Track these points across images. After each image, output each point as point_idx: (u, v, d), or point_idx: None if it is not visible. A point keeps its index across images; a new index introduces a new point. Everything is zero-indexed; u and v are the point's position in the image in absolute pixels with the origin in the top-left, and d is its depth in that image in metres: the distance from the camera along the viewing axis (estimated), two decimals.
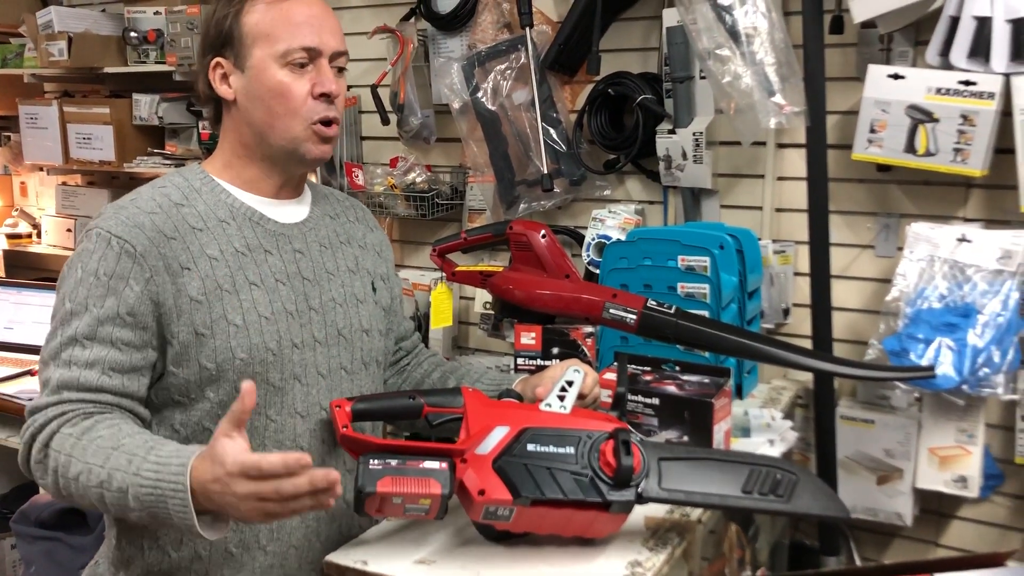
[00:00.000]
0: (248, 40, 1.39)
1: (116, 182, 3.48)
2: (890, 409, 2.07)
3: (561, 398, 1.37)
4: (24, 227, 3.65)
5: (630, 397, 1.61)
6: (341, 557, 1.34)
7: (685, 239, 1.95)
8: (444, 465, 1.26)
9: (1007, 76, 1.85)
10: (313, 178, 2.36)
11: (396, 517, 1.37)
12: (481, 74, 2.45)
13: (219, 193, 1.43)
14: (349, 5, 2.74)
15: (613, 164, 2.40)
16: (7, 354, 2.99)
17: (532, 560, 1.32)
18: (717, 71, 1.99)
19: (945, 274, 1.94)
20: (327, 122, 1.41)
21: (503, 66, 2.44)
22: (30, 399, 2.53)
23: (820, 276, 2.06)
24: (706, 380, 1.65)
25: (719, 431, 1.60)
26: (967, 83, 1.87)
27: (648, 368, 1.71)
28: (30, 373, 2.77)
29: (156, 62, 3.01)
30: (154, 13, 2.99)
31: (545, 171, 2.35)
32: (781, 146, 2.23)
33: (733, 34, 1.98)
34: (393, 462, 1.25)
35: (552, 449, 1.28)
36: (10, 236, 3.62)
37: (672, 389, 1.62)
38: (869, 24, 2.00)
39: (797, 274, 2.24)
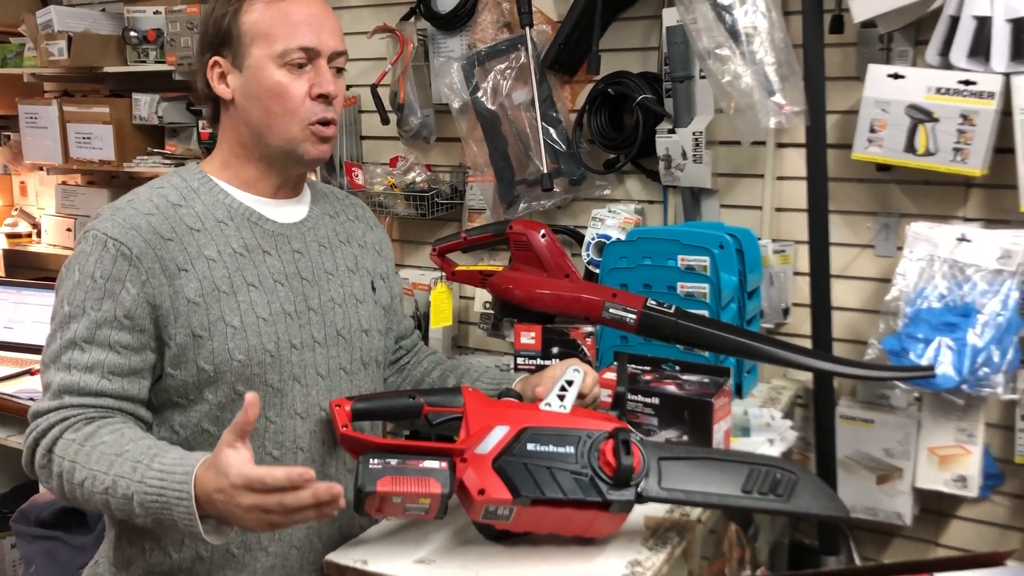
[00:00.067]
0: (246, 39, 1.38)
1: (116, 182, 3.48)
2: (890, 409, 2.07)
3: (561, 397, 1.37)
4: (24, 227, 3.65)
5: (630, 396, 1.61)
6: (341, 556, 1.34)
7: (685, 239, 1.95)
8: (444, 464, 1.26)
9: (1007, 76, 1.85)
10: (313, 177, 2.36)
11: (396, 516, 1.37)
12: (481, 74, 2.45)
13: (217, 193, 1.43)
14: (349, 4, 2.74)
15: (613, 164, 2.40)
16: (7, 353, 3.00)
17: (532, 560, 1.32)
18: (717, 71, 1.99)
19: (945, 274, 1.94)
20: (325, 122, 1.40)
21: (503, 66, 2.44)
22: (31, 398, 2.54)
23: (820, 276, 2.06)
24: (706, 379, 1.65)
25: (719, 430, 1.60)
26: (967, 83, 1.87)
27: (648, 368, 1.71)
28: (30, 372, 2.77)
29: (156, 62, 3.01)
30: (154, 12, 2.99)
31: (545, 171, 2.35)
32: (781, 146, 2.23)
33: (733, 34, 1.98)
34: (393, 461, 1.25)
35: (552, 449, 1.28)
36: (10, 236, 3.62)
37: (672, 389, 1.62)
38: (869, 24, 2.00)
39: (797, 274, 2.24)
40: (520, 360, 1.82)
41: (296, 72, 1.38)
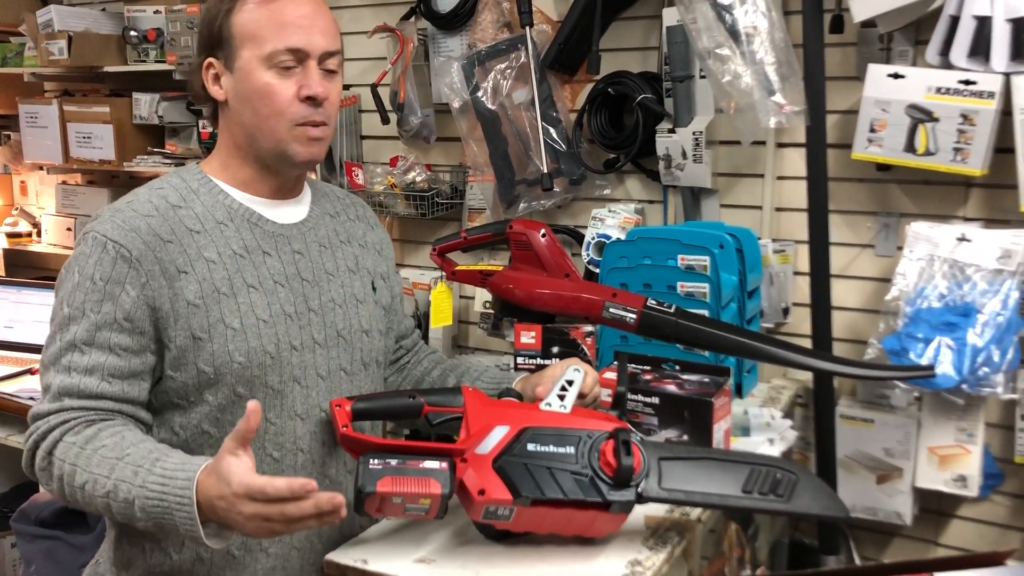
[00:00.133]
0: (236, 41, 1.38)
1: (116, 181, 3.48)
2: (890, 408, 2.07)
3: (561, 397, 1.37)
4: (24, 226, 3.65)
5: (630, 396, 1.61)
6: (341, 556, 1.34)
7: (685, 238, 1.95)
8: (444, 465, 1.26)
9: (1007, 75, 1.85)
10: (313, 176, 2.36)
11: (396, 517, 1.37)
12: (481, 73, 2.45)
13: (217, 194, 1.42)
14: (349, 4, 2.74)
15: (613, 163, 2.40)
16: (7, 353, 3.00)
17: (532, 559, 1.32)
18: (717, 70, 1.99)
19: (945, 273, 1.94)
20: (313, 124, 1.39)
21: (503, 65, 2.44)
22: (31, 398, 2.54)
23: (820, 275, 2.06)
24: (706, 379, 1.65)
25: (719, 430, 1.60)
26: (967, 82, 1.87)
27: (648, 367, 1.71)
28: (30, 372, 2.78)
29: (156, 61, 3.01)
30: (154, 12, 2.99)
31: (545, 170, 2.35)
32: (781, 145, 2.23)
33: (733, 33, 1.98)
34: (393, 462, 1.25)
35: (552, 449, 1.28)
36: (10, 235, 3.61)
37: (672, 388, 1.62)
38: (869, 23, 2.00)
39: (797, 273, 2.23)
40: (520, 360, 1.82)
41: (284, 73, 1.37)
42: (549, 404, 1.36)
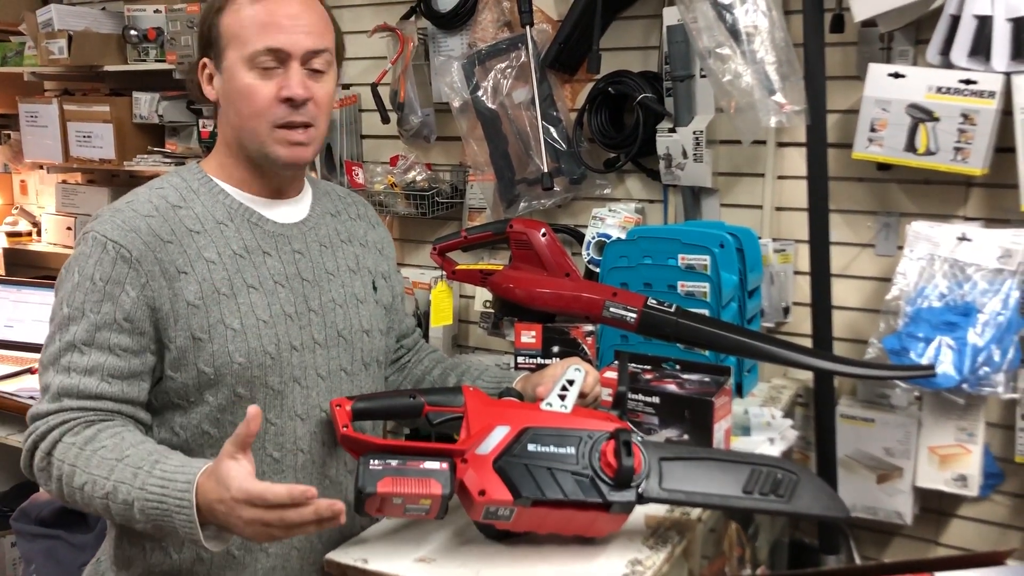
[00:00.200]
0: (223, 41, 1.38)
1: (116, 180, 3.48)
2: (890, 408, 2.07)
3: (562, 397, 1.37)
4: (24, 225, 3.65)
5: (630, 395, 1.61)
6: (342, 555, 1.34)
7: (685, 238, 1.95)
8: (444, 465, 1.26)
9: (1008, 75, 1.85)
10: (314, 175, 2.36)
11: (396, 517, 1.37)
12: (481, 72, 2.45)
13: (217, 194, 1.42)
14: (349, 3, 2.74)
15: (613, 163, 2.40)
16: (7, 352, 3.00)
17: (532, 559, 1.32)
18: (717, 70, 1.99)
19: (945, 273, 1.94)
20: (291, 126, 1.37)
21: (503, 65, 2.44)
22: (31, 397, 2.54)
23: (820, 275, 2.06)
24: (706, 379, 1.65)
25: (719, 429, 1.60)
26: (968, 82, 1.87)
27: (648, 367, 1.71)
28: (30, 371, 2.78)
29: (156, 60, 3.01)
30: (154, 11, 2.99)
31: (545, 170, 2.35)
32: (781, 145, 2.23)
33: (733, 33, 1.98)
34: (393, 462, 1.25)
35: (553, 449, 1.28)
36: (10, 234, 3.61)
37: (672, 388, 1.62)
38: (869, 23, 2.00)
39: (797, 273, 2.23)
40: (520, 359, 1.82)
41: (265, 74, 1.36)
42: (550, 404, 1.36)
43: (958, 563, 0.97)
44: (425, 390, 1.44)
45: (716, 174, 2.28)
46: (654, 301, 1.68)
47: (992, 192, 2.03)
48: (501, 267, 1.86)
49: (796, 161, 2.19)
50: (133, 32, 3.01)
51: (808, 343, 2.10)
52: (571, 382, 1.39)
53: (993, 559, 0.96)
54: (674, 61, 2.19)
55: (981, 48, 1.85)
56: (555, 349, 1.79)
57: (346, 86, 2.76)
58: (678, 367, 1.70)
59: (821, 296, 2.06)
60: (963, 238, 1.93)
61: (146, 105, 3.11)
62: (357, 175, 2.65)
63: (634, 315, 1.68)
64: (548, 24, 2.43)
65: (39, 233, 3.62)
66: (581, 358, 1.63)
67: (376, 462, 1.25)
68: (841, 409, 2.11)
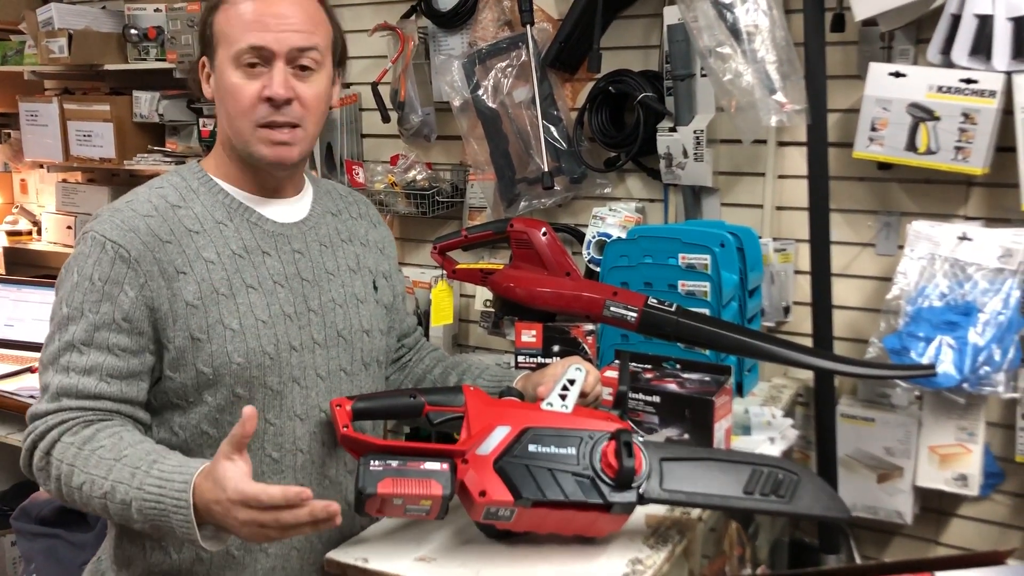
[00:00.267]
0: (215, 41, 1.38)
1: (116, 179, 3.48)
2: (890, 407, 2.07)
3: (563, 397, 1.37)
4: (24, 224, 3.65)
5: (631, 395, 1.61)
6: (342, 554, 1.34)
7: (686, 237, 1.95)
8: (445, 466, 1.26)
9: (1008, 74, 1.84)
10: (315, 174, 2.35)
11: (397, 517, 1.37)
12: (482, 72, 2.45)
13: (216, 193, 1.42)
14: (350, 2, 2.73)
15: (614, 162, 2.40)
16: (7, 351, 3.00)
17: (533, 558, 1.32)
18: (718, 69, 1.98)
19: (946, 272, 1.93)
20: (273, 125, 1.36)
21: (504, 64, 2.43)
22: (31, 396, 2.54)
23: (821, 274, 2.06)
24: (707, 378, 1.65)
25: (720, 429, 1.60)
26: (968, 81, 1.87)
27: (649, 366, 1.71)
28: (30, 370, 2.78)
29: (156, 59, 3.01)
30: (154, 10, 2.99)
31: (546, 169, 2.35)
32: (782, 144, 2.23)
33: (734, 32, 1.98)
34: (394, 463, 1.25)
35: (553, 450, 1.28)
36: (10, 233, 3.61)
37: (673, 387, 1.62)
38: (870, 22, 2.00)
39: (798, 272, 2.23)
40: (521, 358, 1.82)
41: (251, 73, 1.35)
42: (550, 404, 1.36)
43: (958, 562, 0.97)
44: (425, 390, 1.44)
45: (717, 173, 2.27)
46: (654, 300, 1.68)
47: (993, 191, 2.02)
48: (501, 266, 1.86)
49: (797, 160, 2.19)
50: (133, 31, 3.01)
51: (809, 342, 2.10)
52: (572, 382, 1.39)
53: (993, 559, 0.96)
54: (675, 60, 2.19)
55: (982, 47, 1.85)
56: (555, 348, 1.79)
57: (346, 85, 2.76)
58: (679, 366, 1.70)
59: (821, 295, 2.06)
60: (964, 237, 1.93)
61: (146, 104, 3.11)
62: (357, 174, 2.64)
63: (634, 314, 1.68)
64: (549, 23, 2.43)
65: (39, 232, 3.62)
66: (582, 357, 1.63)
67: (376, 463, 1.25)
68: (841, 408, 2.11)
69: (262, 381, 1.36)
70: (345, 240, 1.53)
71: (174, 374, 1.34)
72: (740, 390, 2.03)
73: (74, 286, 1.32)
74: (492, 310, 2.51)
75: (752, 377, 2.11)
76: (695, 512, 1.44)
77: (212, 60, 1.40)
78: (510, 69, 2.43)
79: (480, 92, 2.44)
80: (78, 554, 2.55)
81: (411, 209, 2.61)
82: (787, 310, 2.25)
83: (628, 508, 1.29)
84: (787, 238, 2.24)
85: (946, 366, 1.84)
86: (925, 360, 1.85)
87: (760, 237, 2.15)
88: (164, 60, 2.97)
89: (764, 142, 2.22)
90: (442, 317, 2.53)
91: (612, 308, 1.70)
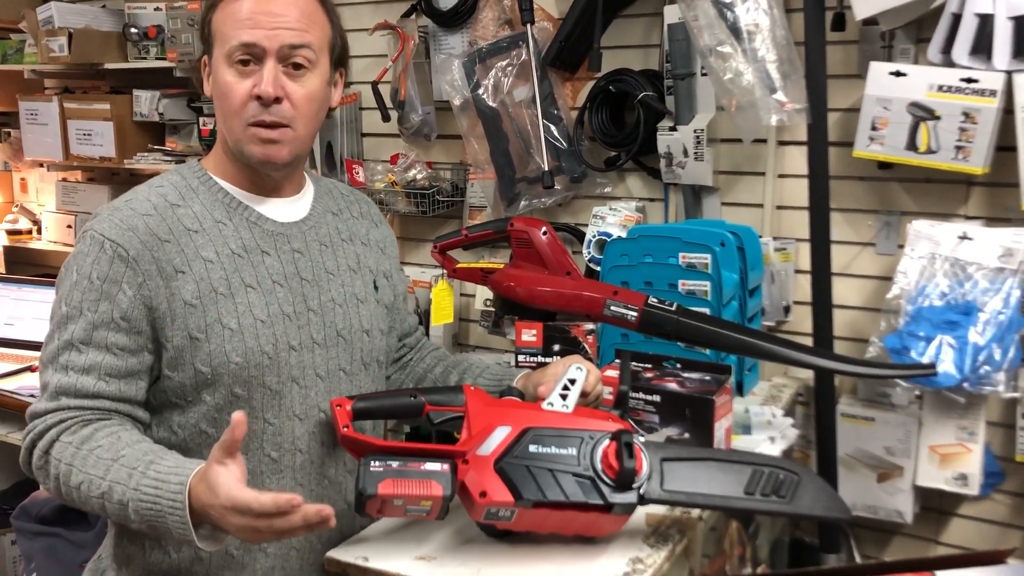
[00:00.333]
0: (212, 39, 1.38)
1: (116, 178, 3.47)
2: (891, 407, 2.07)
3: (563, 397, 1.37)
4: (24, 223, 3.65)
5: (631, 394, 1.60)
6: (342, 553, 1.34)
7: (686, 236, 1.95)
8: (446, 467, 1.26)
9: (1009, 73, 1.84)
10: (315, 172, 2.35)
11: (397, 517, 1.37)
12: (482, 71, 2.45)
13: (216, 192, 1.42)
14: (350, 1, 2.73)
15: (614, 161, 2.40)
16: (7, 350, 2.99)
17: (533, 557, 1.32)
18: (718, 68, 1.98)
19: (946, 272, 1.93)
20: (263, 124, 1.35)
21: (504, 63, 2.43)
22: (31, 395, 2.54)
23: (821, 274, 2.06)
24: (707, 377, 1.65)
25: (720, 428, 1.60)
26: (969, 80, 1.87)
27: (649, 365, 1.71)
28: (30, 369, 2.77)
29: (156, 58, 3.01)
30: (154, 9, 2.99)
31: (546, 168, 2.35)
32: (782, 143, 2.23)
33: (734, 31, 1.98)
34: (394, 464, 1.25)
35: (554, 450, 1.28)
36: (10, 232, 3.61)
37: (673, 386, 1.62)
38: (871, 21, 2.00)
39: (798, 271, 2.23)
40: (521, 357, 1.81)
41: (243, 71, 1.34)
42: (551, 404, 1.36)
43: (959, 562, 0.97)
44: (426, 389, 1.44)
45: (717, 172, 2.27)
46: (655, 300, 1.68)
47: (993, 191, 2.02)
48: (502, 265, 1.86)
49: (797, 160, 2.19)
50: (133, 30, 3.01)
51: (809, 342, 2.10)
52: (573, 381, 1.39)
53: (994, 558, 0.96)
54: (675, 59, 2.19)
55: (982, 46, 1.85)
56: (556, 347, 1.79)
57: (346, 84, 2.75)
58: (679, 366, 1.70)
59: (822, 295, 2.06)
60: (964, 237, 1.93)
61: (146, 103, 3.10)
62: (357, 173, 2.64)
63: (635, 314, 1.68)
64: (549, 22, 2.43)
65: (39, 231, 3.62)
66: (582, 356, 1.63)
67: (377, 463, 1.25)
68: (842, 408, 2.11)
69: (261, 381, 1.36)
70: (346, 239, 1.52)
71: (173, 373, 1.34)
72: (740, 389, 2.03)
73: (73, 285, 1.32)
74: (492, 309, 2.51)
75: (752, 376, 2.11)
76: (695, 511, 1.44)
77: (210, 58, 1.40)
78: (510, 68, 2.43)
79: (480, 91, 2.44)
80: (78, 553, 2.55)
81: (411, 208, 2.61)
82: (787, 309, 2.25)
83: (629, 509, 1.29)
84: (787, 237, 2.24)
85: (946, 365, 1.84)
86: (925, 359, 1.85)
87: (760, 236, 2.15)
88: (164, 59, 2.97)
89: (764, 141, 2.22)
90: (442, 316, 2.53)
91: (612, 307, 1.70)
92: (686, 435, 1.58)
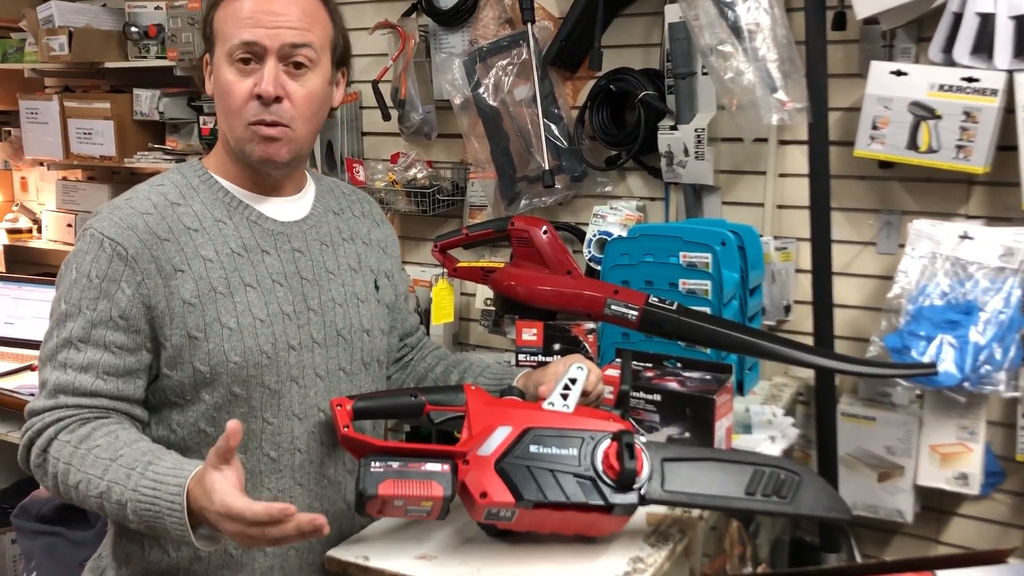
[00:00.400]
0: (214, 38, 1.38)
1: (116, 177, 3.47)
2: (891, 406, 2.07)
3: (564, 396, 1.36)
4: (24, 222, 3.65)
5: (632, 393, 1.60)
6: (343, 552, 1.34)
7: (687, 235, 1.95)
8: (446, 467, 1.26)
9: (1010, 73, 1.84)
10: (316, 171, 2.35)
11: (398, 517, 1.37)
12: (482, 70, 2.45)
13: (216, 191, 1.42)
14: (351, 0, 2.73)
15: (614, 160, 2.39)
16: (7, 349, 2.99)
17: (534, 556, 1.32)
18: (719, 67, 1.98)
19: (947, 271, 1.93)
20: (263, 123, 1.35)
21: (505, 62, 2.43)
22: (31, 394, 2.53)
23: (822, 273, 2.06)
24: (708, 376, 1.65)
25: (720, 427, 1.60)
26: (970, 80, 1.86)
27: (650, 364, 1.71)
28: (30, 368, 2.77)
29: (157, 57, 3.01)
30: (155, 8, 2.99)
31: (546, 167, 2.35)
32: (783, 143, 2.23)
33: (735, 30, 1.98)
34: (395, 464, 1.25)
35: (555, 451, 1.28)
36: (10, 231, 3.61)
37: (674, 385, 1.62)
38: (872, 20, 2.00)
39: (799, 271, 2.23)
40: (522, 356, 1.81)
41: (244, 70, 1.34)
42: (552, 404, 1.36)
43: (959, 561, 0.96)
44: (426, 389, 1.43)
45: (717, 172, 2.27)
46: (655, 299, 1.68)
47: (994, 190, 2.02)
48: (502, 264, 1.86)
49: (798, 159, 2.19)
50: (134, 29, 3.00)
51: (809, 341, 2.10)
52: (573, 381, 1.39)
53: (994, 557, 0.96)
54: (676, 58, 2.19)
55: (983, 46, 1.85)
56: (556, 347, 1.79)
57: (348, 83, 2.76)
58: (679, 365, 1.70)
59: (822, 294, 2.06)
60: (965, 236, 1.93)
61: (147, 102, 3.10)
62: (358, 172, 2.64)
63: (635, 313, 1.67)
64: (549, 21, 2.43)
65: (39, 230, 3.61)
66: (583, 356, 1.63)
67: (377, 464, 1.24)
68: (842, 407, 2.11)
69: (259, 380, 1.36)
70: (347, 239, 1.52)
71: (171, 372, 1.34)
72: (741, 388, 2.03)
73: (72, 283, 1.32)
74: (493, 308, 2.51)
75: (753, 376, 2.11)
76: (696, 511, 1.44)
77: (211, 57, 1.40)
78: (511, 67, 2.43)
79: (481, 90, 2.44)
80: (78, 552, 2.55)
81: (412, 207, 2.61)
82: (788, 309, 2.25)
83: (629, 509, 1.28)
84: (788, 237, 2.24)
85: (947, 365, 1.84)
86: (926, 359, 1.85)
87: (761, 235, 2.15)
88: (164, 58, 2.97)
89: (765, 140, 2.22)
90: (443, 315, 2.53)
91: (613, 306, 1.70)
92: (687, 434, 1.58)
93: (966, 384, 1.85)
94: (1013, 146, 1.87)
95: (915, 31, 2.03)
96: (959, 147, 1.90)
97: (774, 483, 1.30)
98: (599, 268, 2.13)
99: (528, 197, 2.45)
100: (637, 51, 2.36)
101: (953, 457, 1.98)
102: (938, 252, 1.95)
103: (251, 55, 1.34)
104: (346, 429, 1.35)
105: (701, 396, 1.57)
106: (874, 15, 1.96)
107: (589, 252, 2.35)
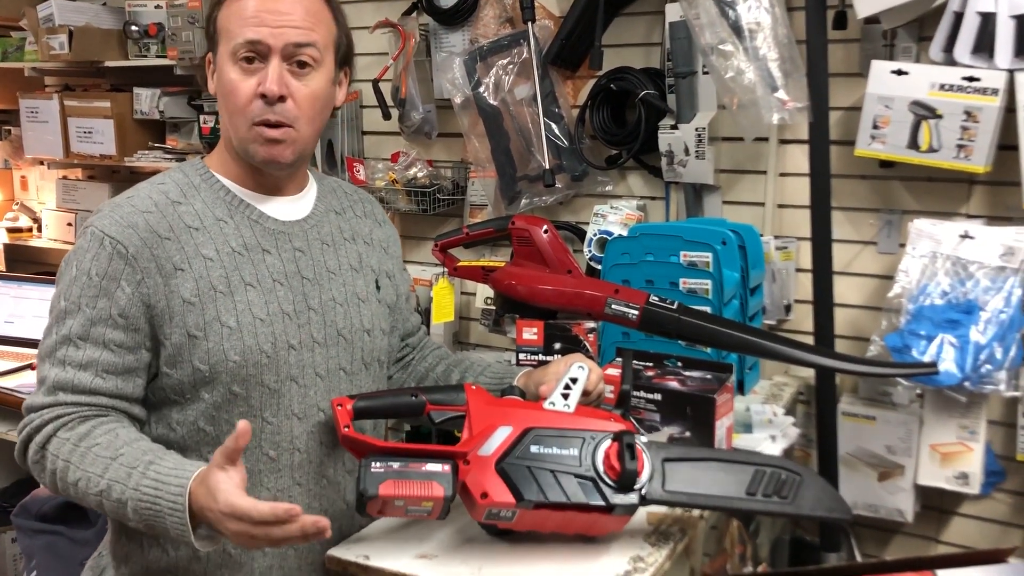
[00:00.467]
0: (217, 37, 1.38)
1: (117, 176, 3.47)
2: (891, 405, 2.07)
3: (565, 396, 1.36)
4: (24, 221, 3.65)
5: (632, 392, 1.60)
6: (343, 552, 1.34)
7: (687, 235, 1.95)
8: (447, 467, 1.26)
9: (1011, 72, 1.84)
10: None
11: (398, 517, 1.37)
12: (483, 69, 2.44)
13: (218, 190, 1.42)
14: None
15: (615, 159, 2.39)
16: (7, 348, 2.99)
17: (534, 556, 1.32)
18: (720, 66, 1.98)
19: (947, 271, 1.93)
20: (267, 124, 1.35)
21: (505, 61, 2.43)
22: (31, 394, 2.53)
23: (822, 272, 2.06)
24: (708, 376, 1.65)
25: (721, 427, 1.60)
26: (971, 79, 1.86)
27: (650, 364, 1.71)
28: (30, 367, 2.77)
29: (157, 56, 3.01)
30: (155, 7, 2.99)
31: (547, 166, 2.35)
32: (783, 142, 2.23)
33: (736, 29, 1.97)
34: (395, 465, 1.25)
35: (556, 451, 1.28)
36: (10, 230, 3.61)
37: (674, 385, 1.62)
38: (872, 19, 2.00)
39: (799, 270, 2.23)
40: (522, 356, 1.81)
41: (248, 69, 1.34)
42: (553, 403, 1.36)
43: (959, 561, 0.97)
44: (427, 388, 1.43)
45: (718, 171, 2.27)
46: (656, 298, 1.68)
47: (995, 190, 2.02)
48: (503, 264, 1.86)
49: (798, 158, 2.19)
50: (134, 27, 3.00)
51: (810, 340, 2.10)
52: (574, 380, 1.39)
53: (994, 557, 0.96)
54: (676, 57, 2.19)
55: (984, 45, 1.85)
56: (557, 346, 1.79)
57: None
58: (680, 364, 1.70)
59: (823, 293, 2.06)
60: (965, 236, 1.93)
61: (147, 101, 3.10)
62: (358, 171, 2.64)
63: (636, 312, 1.67)
64: (550, 20, 2.43)
65: (39, 229, 3.62)
66: (583, 355, 1.63)
67: (378, 464, 1.24)
68: (843, 407, 2.11)
69: (259, 379, 1.36)
70: (348, 239, 1.52)
71: (171, 371, 1.34)
72: (741, 388, 2.03)
73: (72, 280, 1.32)
74: (493, 307, 2.51)
75: (753, 375, 2.11)
76: (696, 510, 1.44)
77: (215, 56, 1.40)
78: (511, 66, 2.43)
79: (481, 89, 2.44)
80: (79, 550, 2.55)
81: (412, 206, 2.61)
82: (788, 308, 2.25)
83: (630, 510, 1.29)
84: (788, 236, 2.24)
85: (947, 364, 1.84)
86: (927, 358, 1.84)
87: (761, 235, 2.15)
88: (165, 57, 2.97)
89: (766, 140, 2.22)
90: (443, 315, 2.53)
91: (614, 306, 1.70)
92: (687, 433, 1.58)
93: (967, 383, 1.85)
94: (1014, 145, 1.87)
95: (916, 30, 2.03)
96: (960, 146, 1.90)
97: (775, 483, 1.30)
98: (600, 267, 2.13)
99: (528, 196, 2.45)
100: (638, 50, 2.36)
101: (953, 456, 1.98)
102: (939, 251, 1.95)
103: (255, 54, 1.33)
104: (346, 429, 1.35)
105: (702, 395, 1.58)
106: (875, 14, 1.96)
107: (590, 251, 2.34)
